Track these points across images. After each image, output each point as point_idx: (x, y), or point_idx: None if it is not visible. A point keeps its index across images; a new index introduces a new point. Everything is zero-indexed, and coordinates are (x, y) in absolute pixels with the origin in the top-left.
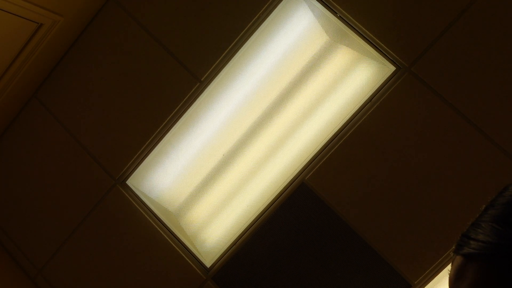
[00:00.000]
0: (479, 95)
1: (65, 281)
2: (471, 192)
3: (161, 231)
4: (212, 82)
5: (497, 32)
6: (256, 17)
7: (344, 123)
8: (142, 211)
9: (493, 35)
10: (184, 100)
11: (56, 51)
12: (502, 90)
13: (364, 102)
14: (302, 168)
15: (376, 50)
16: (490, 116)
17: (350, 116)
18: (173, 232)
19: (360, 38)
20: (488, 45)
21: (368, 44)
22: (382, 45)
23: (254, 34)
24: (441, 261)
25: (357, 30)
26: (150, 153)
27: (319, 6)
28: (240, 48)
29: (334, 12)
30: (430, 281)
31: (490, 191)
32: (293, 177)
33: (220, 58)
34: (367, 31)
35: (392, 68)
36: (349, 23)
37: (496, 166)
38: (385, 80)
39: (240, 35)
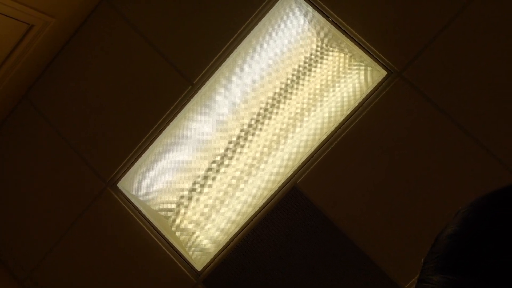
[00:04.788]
0: (469, 100)
1: (54, 285)
2: (462, 195)
3: (151, 235)
4: (204, 85)
5: (488, 38)
6: (249, 20)
7: (336, 127)
8: (133, 214)
9: (484, 41)
10: (176, 103)
11: (47, 53)
12: (492, 96)
13: (356, 106)
14: (293, 171)
15: (368, 55)
16: (480, 121)
17: (342, 120)
18: (164, 236)
19: (352, 42)
20: (479, 51)
21: (360, 48)
22: (374, 49)
23: (246, 38)
24: None
25: (349, 35)
26: (141, 156)
27: (311, 10)
28: (232, 52)
29: (326, 17)
30: None
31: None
32: (285, 181)
33: (212, 61)
34: (359, 36)
35: (383, 73)
36: (342, 27)
37: (486, 170)
38: (376, 85)
39: (233, 38)
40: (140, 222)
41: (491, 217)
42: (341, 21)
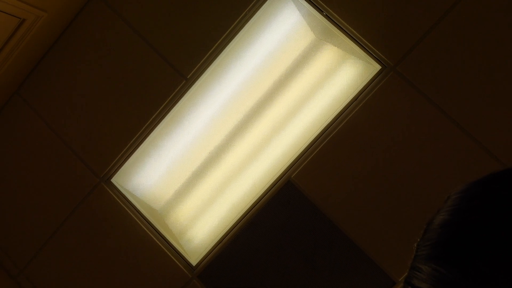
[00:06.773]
0: (462, 95)
1: (48, 281)
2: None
3: (146, 230)
4: (198, 80)
5: (481, 32)
6: (243, 14)
7: (330, 121)
8: (127, 209)
9: (477, 35)
10: (170, 97)
11: (39, 47)
12: (485, 90)
13: (350, 100)
14: (288, 166)
15: (362, 49)
16: (473, 115)
17: (336, 114)
18: (159, 231)
19: (346, 36)
20: (472, 45)
21: (354, 42)
22: (368, 43)
23: (240, 32)
24: None
25: (343, 29)
26: (135, 151)
27: (305, 4)
28: (226, 46)
29: (320, 11)
30: None
31: None
32: (280, 175)
33: (206, 56)
34: (353, 30)
35: (377, 67)
36: (335, 21)
37: (480, 165)
38: (370, 79)
39: (227, 32)
40: (135, 217)
41: (483, 207)
42: (335, 15)
